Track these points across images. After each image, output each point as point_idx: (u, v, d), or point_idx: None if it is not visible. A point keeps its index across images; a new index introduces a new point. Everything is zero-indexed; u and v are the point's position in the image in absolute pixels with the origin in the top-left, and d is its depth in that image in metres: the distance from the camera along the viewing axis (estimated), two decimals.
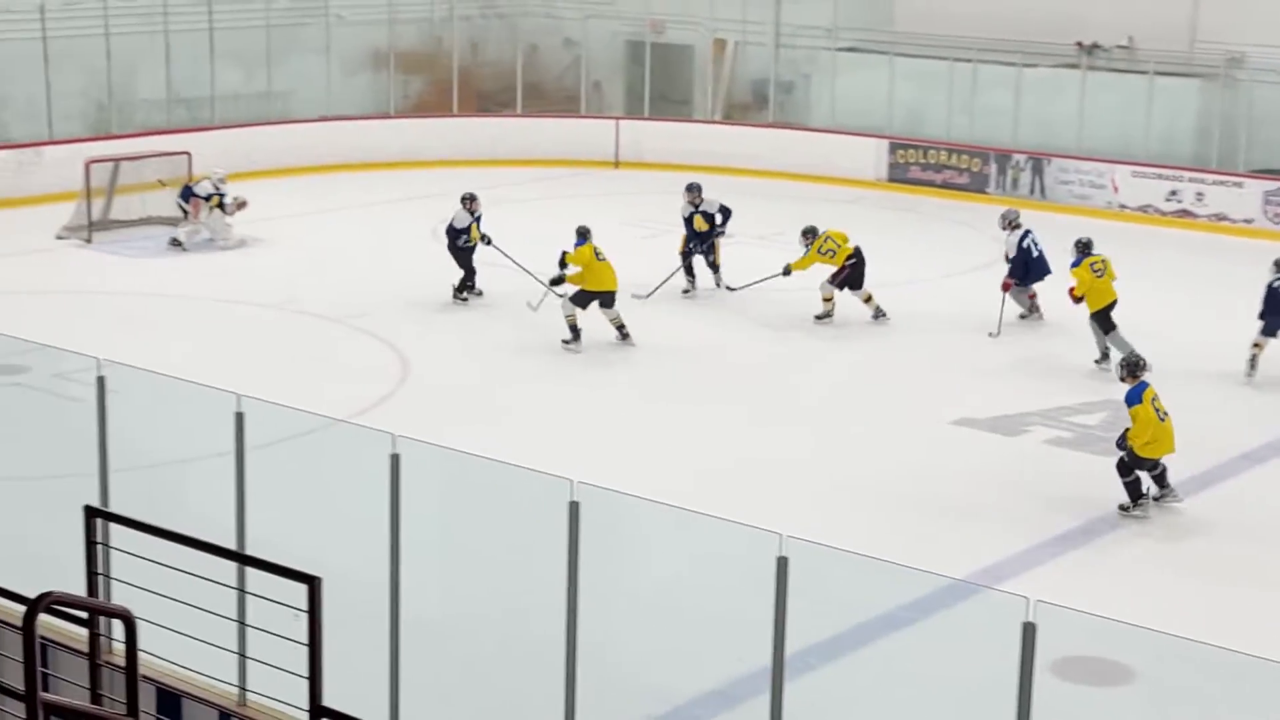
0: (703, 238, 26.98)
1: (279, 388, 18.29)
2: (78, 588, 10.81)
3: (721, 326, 25.42)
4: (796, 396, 22.41)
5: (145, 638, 9.66)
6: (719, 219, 27.08)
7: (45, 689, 9.13)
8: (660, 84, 40.65)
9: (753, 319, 25.60)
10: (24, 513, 15.49)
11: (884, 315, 25.54)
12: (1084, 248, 23.92)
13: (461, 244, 26.16)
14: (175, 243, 29.84)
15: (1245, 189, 33.27)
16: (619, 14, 41.52)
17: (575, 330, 24.05)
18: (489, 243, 26.08)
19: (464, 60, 40.51)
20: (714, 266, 27.19)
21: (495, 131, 39.35)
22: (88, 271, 28.50)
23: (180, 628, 10.77)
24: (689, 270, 27.12)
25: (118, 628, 10.08)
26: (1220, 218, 33.30)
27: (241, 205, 29.99)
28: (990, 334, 24.95)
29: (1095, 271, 23.61)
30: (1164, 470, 18.29)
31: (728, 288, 26.74)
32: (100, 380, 13.01)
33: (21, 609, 9.10)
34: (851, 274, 25.59)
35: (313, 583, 9.86)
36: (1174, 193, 33.85)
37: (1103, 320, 23.61)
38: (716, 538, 12.33)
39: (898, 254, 26.83)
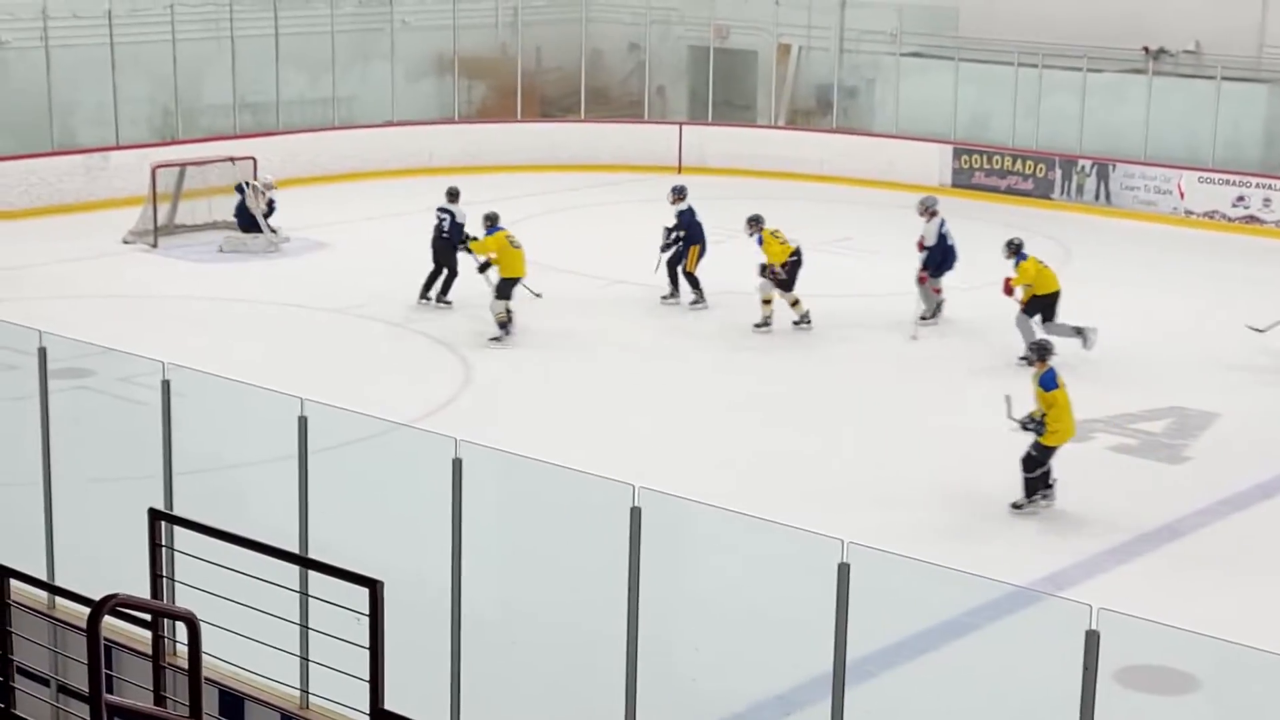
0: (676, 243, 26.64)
1: (342, 392, 18.35)
2: (142, 590, 10.87)
3: (784, 332, 25.33)
4: (856, 399, 22.35)
5: (208, 640, 9.71)
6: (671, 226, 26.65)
7: (109, 691, 9.20)
8: (724, 89, 40.63)
9: (830, 322, 25.50)
10: (89, 516, 15.55)
11: (808, 323, 25.06)
12: (1017, 249, 24.18)
13: (461, 243, 26.25)
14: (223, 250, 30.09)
15: None
16: (683, 19, 41.52)
17: (505, 326, 24.50)
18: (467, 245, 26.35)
19: (528, 65, 40.57)
20: (686, 275, 26.69)
21: (558, 137, 39.42)
22: (153, 276, 28.64)
23: (242, 630, 10.82)
24: (673, 278, 26.66)
25: (181, 630, 10.12)
26: None
27: (269, 188, 30.13)
28: (912, 337, 24.95)
29: (1042, 263, 24.07)
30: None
31: (692, 303, 26.26)
32: (165, 384, 13.07)
33: (86, 611, 9.16)
34: (790, 272, 25.18)
35: (374, 586, 9.89)
36: (1241, 198, 33.62)
37: (1047, 309, 23.84)
38: (778, 543, 12.30)
39: (961, 259, 26.65)
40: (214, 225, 31.32)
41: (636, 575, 10.88)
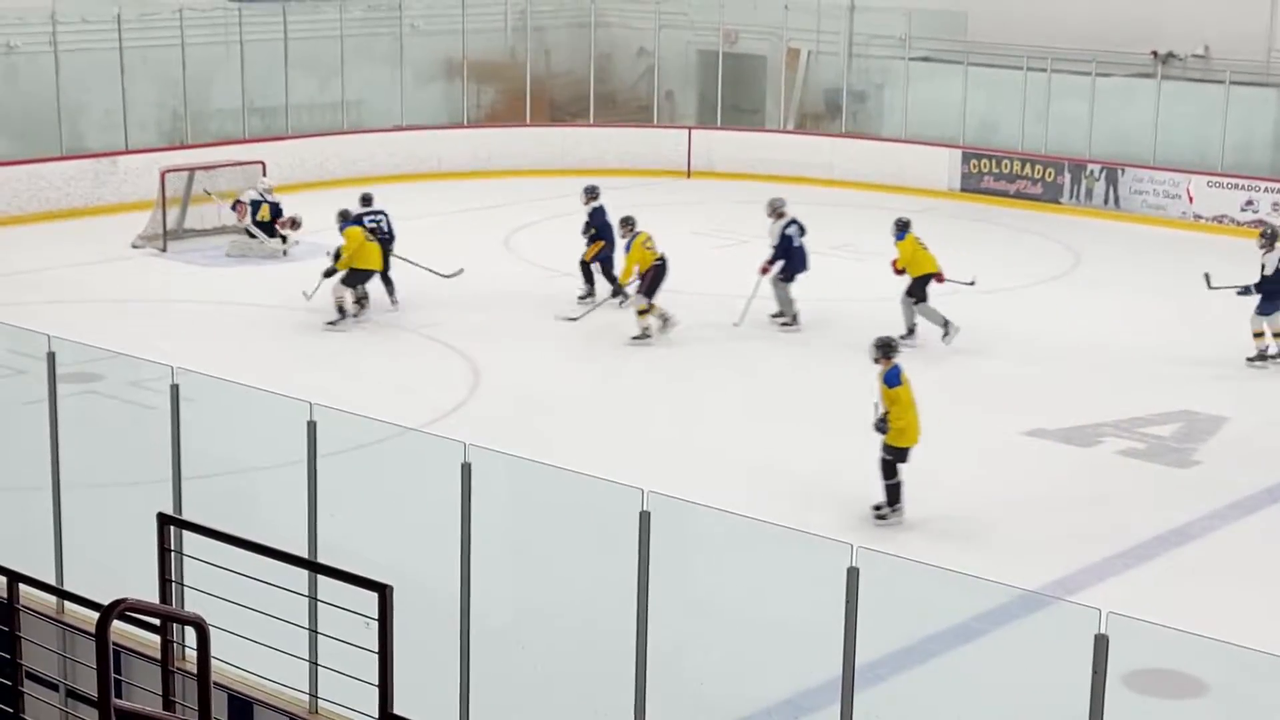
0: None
1: (351, 396, 18.37)
2: (150, 595, 10.88)
3: (792, 338, 25.31)
4: (866, 404, 22.31)
5: (217, 645, 9.71)
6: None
7: (118, 695, 9.20)
8: (733, 94, 40.64)
9: (832, 327, 25.50)
10: (98, 520, 15.57)
11: (648, 337, 24.75)
12: (903, 226, 24.61)
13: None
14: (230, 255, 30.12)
15: None
16: (692, 24, 41.51)
17: (342, 311, 25.19)
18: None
19: (537, 70, 40.59)
20: (581, 264, 26.92)
21: (567, 141, 39.46)
22: (162, 280, 28.68)
23: (251, 635, 10.82)
24: (588, 277, 26.89)
25: (190, 634, 10.13)
26: None
27: (295, 225, 30.14)
28: (734, 324, 25.08)
29: (921, 245, 24.53)
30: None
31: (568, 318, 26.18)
32: (174, 388, 13.09)
33: (95, 616, 9.16)
34: (651, 280, 24.98)
35: (383, 591, 9.89)
36: (1250, 203, 33.60)
37: (918, 289, 24.25)
38: (787, 548, 12.29)
39: (970, 265, 26.62)
40: (223, 229, 31.32)
41: (645, 579, 10.88)
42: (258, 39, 36.86)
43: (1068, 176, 35.71)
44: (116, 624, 9.08)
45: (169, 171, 31.16)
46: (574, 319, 25.66)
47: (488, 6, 40.84)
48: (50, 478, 14.04)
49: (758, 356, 24.41)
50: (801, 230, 25.71)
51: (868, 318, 25.69)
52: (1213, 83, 35.07)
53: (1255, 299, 23.67)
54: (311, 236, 30.03)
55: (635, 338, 24.69)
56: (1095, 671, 9.18)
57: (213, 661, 9.63)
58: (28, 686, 10.87)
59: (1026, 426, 21.06)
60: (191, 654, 10.07)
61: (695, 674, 13.21)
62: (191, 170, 31.88)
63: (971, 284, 25.30)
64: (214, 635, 9.64)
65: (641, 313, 24.77)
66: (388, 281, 26.35)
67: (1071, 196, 35.61)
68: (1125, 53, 35.94)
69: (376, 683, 9.99)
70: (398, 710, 9.92)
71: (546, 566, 14.39)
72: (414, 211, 32.28)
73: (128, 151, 34.50)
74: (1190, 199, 34.24)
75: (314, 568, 11.25)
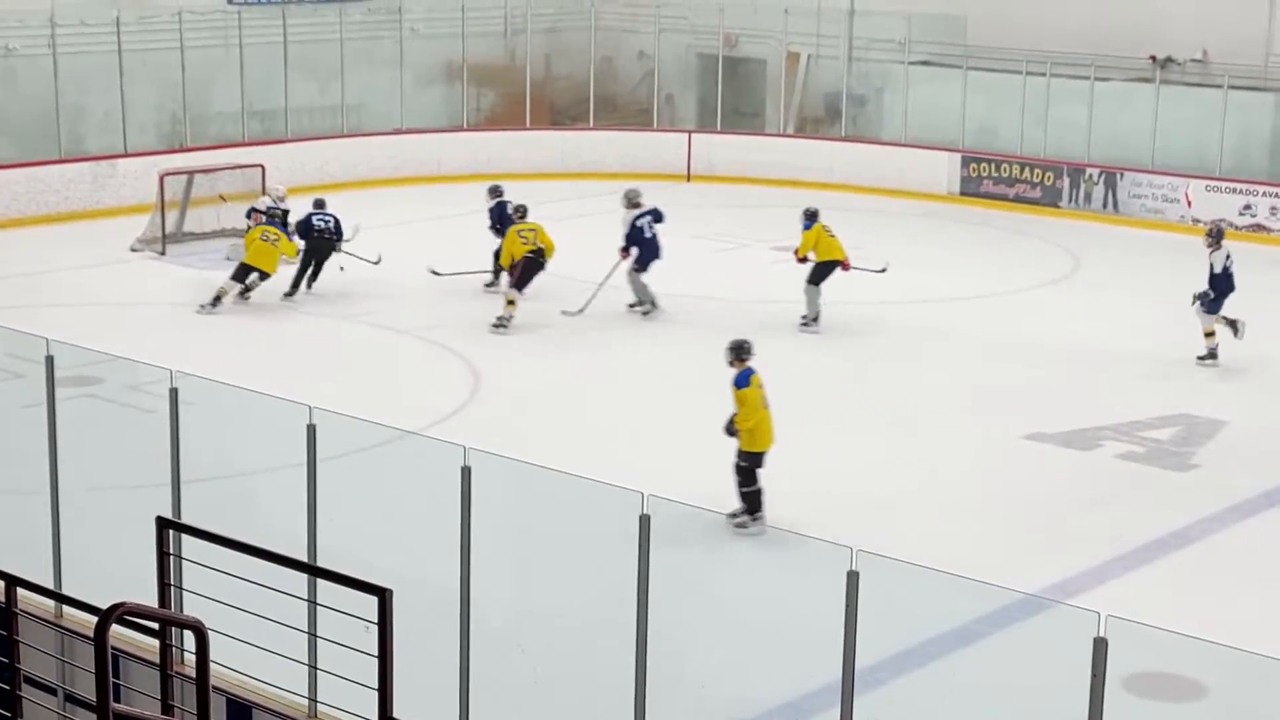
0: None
1: (351, 399, 18.36)
2: (149, 599, 10.87)
3: (790, 337, 25.31)
4: (867, 408, 22.33)
5: (216, 648, 9.71)
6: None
7: (117, 700, 9.20)
8: (732, 97, 40.66)
9: (833, 329, 25.49)
10: (96, 524, 15.58)
11: (504, 326, 25.22)
12: (811, 215, 25.24)
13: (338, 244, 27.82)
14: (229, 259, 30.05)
15: None
16: (692, 27, 41.51)
17: (218, 300, 26.23)
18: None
19: (537, 73, 40.59)
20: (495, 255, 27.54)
21: (568, 145, 39.48)
22: (161, 283, 28.65)
23: (251, 639, 10.81)
24: (496, 271, 27.49)
25: (189, 639, 10.13)
26: None
27: (281, 199, 30.15)
28: (565, 311, 25.82)
29: (828, 232, 25.20)
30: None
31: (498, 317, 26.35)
32: (173, 392, 13.07)
33: (94, 620, 9.16)
34: (522, 272, 25.51)
35: (383, 595, 9.89)
36: (1248, 207, 33.62)
37: (820, 273, 24.89)
38: (787, 551, 12.32)
39: (970, 268, 26.69)
40: (222, 233, 31.31)
41: (645, 582, 10.87)
42: (257, 42, 36.85)
43: (1067, 180, 35.72)
44: (115, 628, 9.07)
45: (168, 175, 31.16)
46: (576, 312, 26.00)
47: (488, 10, 40.85)
48: (49, 481, 14.02)
49: (759, 359, 24.38)
50: (656, 219, 26.25)
51: (868, 319, 25.74)
52: (1211, 87, 35.08)
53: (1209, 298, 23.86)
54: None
55: (494, 325, 25.35)
56: (1094, 674, 9.18)
57: (212, 665, 9.63)
58: (26, 691, 10.86)
59: (1026, 430, 21.05)
60: (190, 658, 10.07)
61: (695, 677, 13.21)
62: (191, 173, 31.87)
63: (882, 271, 25.60)
64: (213, 639, 9.63)
65: (510, 303, 25.42)
66: (317, 273, 27.43)
67: (1070, 200, 35.61)
68: (1124, 57, 35.95)
69: (376, 686, 9.98)
70: (397, 714, 9.92)
71: (547, 570, 14.40)
72: (413, 215, 32.32)
73: (127, 154, 34.49)
74: (1189, 203, 34.25)
75: (314, 571, 11.25)
